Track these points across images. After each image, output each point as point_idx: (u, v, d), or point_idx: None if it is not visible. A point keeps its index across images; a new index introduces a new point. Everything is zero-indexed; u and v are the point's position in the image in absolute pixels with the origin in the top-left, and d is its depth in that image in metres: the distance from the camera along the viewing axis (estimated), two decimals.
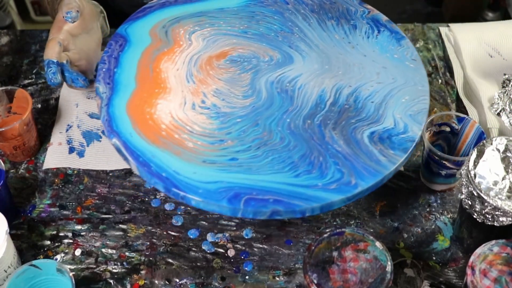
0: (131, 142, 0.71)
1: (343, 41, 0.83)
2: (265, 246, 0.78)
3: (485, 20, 2.05)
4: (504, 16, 2.03)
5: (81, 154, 0.87)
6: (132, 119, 0.73)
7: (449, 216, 0.81)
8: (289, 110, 0.75)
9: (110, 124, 0.72)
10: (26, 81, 0.98)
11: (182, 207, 0.82)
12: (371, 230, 0.79)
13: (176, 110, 0.75)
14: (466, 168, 0.69)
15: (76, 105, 0.93)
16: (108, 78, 0.77)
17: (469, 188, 0.68)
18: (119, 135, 0.71)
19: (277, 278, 0.75)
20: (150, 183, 0.69)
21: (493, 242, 0.67)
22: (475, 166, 0.68)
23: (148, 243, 0.78)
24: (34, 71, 0.99)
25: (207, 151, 0.71)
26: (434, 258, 0.77)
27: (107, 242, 0.79)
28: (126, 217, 0.81)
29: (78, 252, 0.78)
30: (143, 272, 0.76)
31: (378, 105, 0.75)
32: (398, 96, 0.76)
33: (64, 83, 0.83)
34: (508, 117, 0.86)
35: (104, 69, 0.78)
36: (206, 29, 0.84)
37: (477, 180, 0.67)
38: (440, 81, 0.97)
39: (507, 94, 0.88)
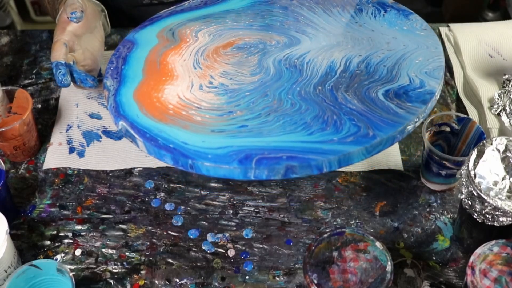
0: (138, 122, 0.70)
1: (350, 22, 0.82)
2: (265, 246, 0.78)
3: (485, 20, 2.05)
4: (504, 16, 2.03)
5: (81, 154, 0.87)
6: (139, 104, 0.73)
7: (449, 216, 0.81)
8: (298, 81, 0.74)
9: (117, 110, 0.72)
10: (26, 81, 0.98)
11: (182, 207, 0.82)
12: (371, 230, 0.79)
13: (184, 92, 0.75)
14: (466, 168, 0.68)
15: (76, 105, 0.93)
16: (116, 74, 0.78)
17: (469, 188, 0.68)
18: (126, 118, 0.71)
19: (277, 278, 0.75)
20: (158, 157, 0.68)
21: (493, 242, 0.67)
22: (475, 166, 0.68)
23: (148, 243, 0.78)
24: (34, 71, 0.99)
25: (215, 122, 0.69)
26: (434, 258, 0.77)
27: (107, 242, 0.79)
28: (126, 217, 0.81)
29: (78, 252, 0.78)
30: (143, 272, 0.76)
31: (391, 68, 0.74)
32: (412, 58, 0.74)
33: (72, 84, 0.82)
34: (508, 117, 0.86)
35: (112, 68, 0.79)
36: (212, 27, 0.85)
37: (477, 180, 0.67)
38: None
39: (507, 94, 0.88)
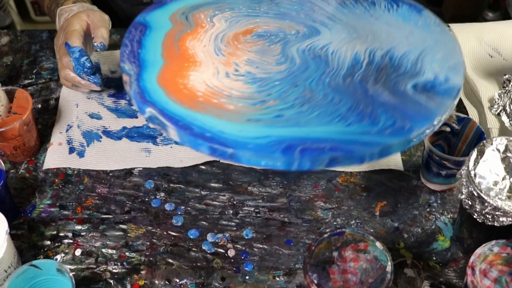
0: (167, 109, 0.66)
1: (365, 15, 0.82)
2: (265, 246, 0.78)
3: (485, 20, 2.05)
4: (504, 16, 2.03)
5: (81, 154, 0.87)
6: (165, 90, 0.69)
7: (449, 216, 0.81)
8: (326, 72, 0.73)
9: (143, 96, 0.67)
10: (26, 81, 0.98)
11: (182, 207, 0.82)
12: (371, 230, 0.79)
13: (210, 79, 0.72)
14: (466, 168, 0.69)
15: (76, 105, 0.93)
16: (133, 58, 0.73)
17: (469, 188, 0.68)
18: (154, 104, 0.67)
19: (277, 278, 0.75)
20: (193, 146, 0.65)
21: (493, 242, 0.67)
22: (475, 166, 0.68)
23: (148, 243, 0.78)
24: (34, 71, 0.99)
25: (250, 111, 0.67)
26: (434, 258, 0.77)
27: (107, 242, 0.79)
28: (126, 217, 0.81)
29: (78, 252, 0.78)
30: (143, 272, 0.76)
31: (414, 62, 0.74)
32: (432, 54, 0.75)
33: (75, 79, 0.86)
34: (508, 117, 0.86)
35: (127, 51, 0.74)
36: (227, 12, 0.83)
37: (477, 180, 0.67)
38: None
39: (507, 94, 0.88)
